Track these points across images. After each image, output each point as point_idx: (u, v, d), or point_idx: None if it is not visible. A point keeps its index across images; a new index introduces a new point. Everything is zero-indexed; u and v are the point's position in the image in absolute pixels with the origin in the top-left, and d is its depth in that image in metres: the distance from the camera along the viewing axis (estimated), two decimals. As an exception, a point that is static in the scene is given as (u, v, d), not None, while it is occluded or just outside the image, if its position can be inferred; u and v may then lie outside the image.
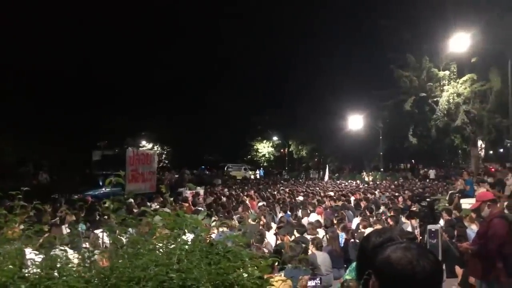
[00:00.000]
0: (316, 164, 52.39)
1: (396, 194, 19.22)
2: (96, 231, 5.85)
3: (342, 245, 9.08)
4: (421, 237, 7.87)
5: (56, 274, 2.35)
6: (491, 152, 38.20)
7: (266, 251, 7.54)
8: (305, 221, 11.02)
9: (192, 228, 2.59)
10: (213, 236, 3.40)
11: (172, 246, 2.45)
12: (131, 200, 12.56)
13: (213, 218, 8.90)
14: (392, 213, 11.84)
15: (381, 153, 40.49)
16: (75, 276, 2.29)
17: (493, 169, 20.85)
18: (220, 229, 6.23)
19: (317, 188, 24.18)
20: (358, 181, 33.53)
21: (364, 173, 41.58)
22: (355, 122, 38.78)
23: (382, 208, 14.11)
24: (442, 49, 24.01)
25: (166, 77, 42.57)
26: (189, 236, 2.56)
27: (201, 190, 18.52)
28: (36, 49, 28.09)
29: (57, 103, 28.81)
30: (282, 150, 55.53)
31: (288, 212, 12.80)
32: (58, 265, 2.41)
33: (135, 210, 10.76)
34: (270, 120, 51.54)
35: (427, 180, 33.70)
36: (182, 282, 2.15)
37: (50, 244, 2.92)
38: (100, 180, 18.62)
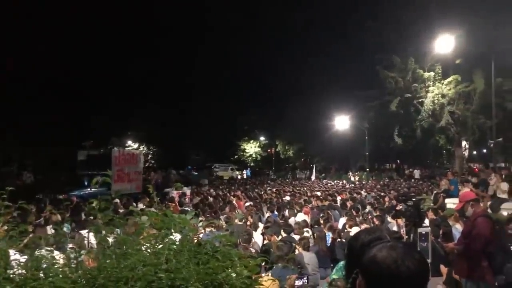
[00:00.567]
0: (303, 164, 52.61)
1: (382, 194, 19.32)
2: (82, 232, 5.80)
3: (329, 244, 9.11)
4: (407, 236, 7.96)
5: (42, 275, 2.32)
6: (474, 152, 38.70)
7: (253, 251, 7.54)
8: (292, 220, 11.03)
9: (179, 228, 2.58)
10: (201, 236, 3.39)
11: (160, 246, 2.44)
12: (117, 200, 12.47)
13: (200, 218, 8.86)
14: (378, 213, 11.96)
15: (367, 153, 40.76)
16: (62, 277, 2.26)
17: (476, 169, 21.15)
18: (208, 229, 6.22)
19: (304, 188, 24.20)
20: (344, 181, 33.72)
21: (350, 173, 41.84)
22: (342, 122, 39.11)
23: (368, 208, 14.21)
24: (427, 51, 24.33)
25: (152, 77, 42.38)
26: (176, 236, 2.55)
27: (187, 190, 18.41)
28: (18, 49, 27.57)
29: (41, 102, 28.36)
30: (269, 150, 55.59)
31: (275, 212, 12.78)
32: (43, 266, 2.38)
33: (120, 211, 10.67)
34: (257, 120, 51.66)
35: (412, 180, 33.96)
36: (171, 282, 2.14)
37: (35, 245, 2.88)
38: (85, 180, 18.45)
